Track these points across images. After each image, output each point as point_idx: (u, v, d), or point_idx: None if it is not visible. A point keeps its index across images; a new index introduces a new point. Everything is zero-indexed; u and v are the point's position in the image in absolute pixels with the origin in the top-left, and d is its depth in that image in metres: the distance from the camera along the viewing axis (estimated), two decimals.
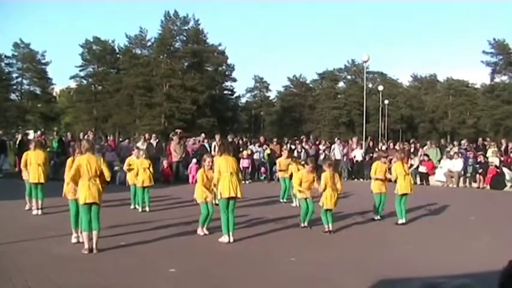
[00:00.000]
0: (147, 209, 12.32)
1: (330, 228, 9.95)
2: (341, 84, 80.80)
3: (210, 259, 7.71)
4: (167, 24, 64.08)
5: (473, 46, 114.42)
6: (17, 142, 21.52)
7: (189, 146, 22.35)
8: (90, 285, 6.17)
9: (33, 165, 11.52)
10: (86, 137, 21.73)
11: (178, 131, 23.72)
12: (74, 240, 8.44)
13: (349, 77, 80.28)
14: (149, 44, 65.90)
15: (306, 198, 10.44)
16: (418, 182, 20.42)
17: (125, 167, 13.63)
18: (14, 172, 20.63)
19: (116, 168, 18.44)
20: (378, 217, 11.59)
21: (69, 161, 9.15)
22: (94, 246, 7.75)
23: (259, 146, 22.44)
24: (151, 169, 12.77)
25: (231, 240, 8.79)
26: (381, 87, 57.23)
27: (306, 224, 10.45)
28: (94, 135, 23.75)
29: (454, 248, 8.94)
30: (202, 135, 23.85)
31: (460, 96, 74.39)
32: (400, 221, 11.10)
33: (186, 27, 65.13)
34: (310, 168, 10.72)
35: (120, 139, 25.40)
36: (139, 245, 8.29)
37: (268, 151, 21.58)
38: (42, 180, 11.49)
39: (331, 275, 6.88)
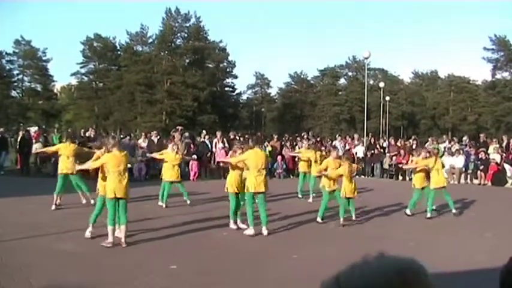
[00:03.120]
0: (188, 201, 12.53)
1: (353, 218, 10.68)
2: (342, 80, 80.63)
3: (212, 256, 7.72)
4: (168, 21, 63.97)
5: (475, 42, 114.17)
6: (18, 139, 21.53)
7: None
8: (91, 281, 6.18)
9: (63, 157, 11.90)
10: (88, 133, 21.83)
11: (180, 127, 23.73)
12: (88, 234, 8.47)
13: (350, 73, 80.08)
14: (150, 40, 65.80)
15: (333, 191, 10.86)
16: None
17: (157, 155, 13.78)
18: (15, 169, 20.68)
19: None
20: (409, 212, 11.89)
21: (96, 155, 9.33)
22: (123, 240, 7.96)
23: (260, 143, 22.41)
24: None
25: (265, 233, 9.12)
26: (382, 84, 57.13)
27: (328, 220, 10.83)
28: (95, 132, 23.73)
29: (455, 244, 8.95)
30: (204, 132, 23.86)
31: (461, 93, 74.24)
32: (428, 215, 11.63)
33: (187, 24, 65.05)
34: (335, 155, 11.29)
35: (121, 136, 25.33)
36: (140, 242, 8.31)
37: (269, 148, 21.58)
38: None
39: (333, 272, 6.86)
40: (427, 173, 12.00)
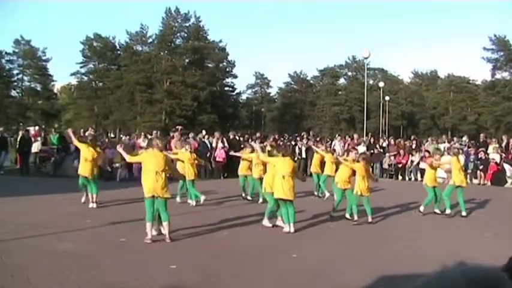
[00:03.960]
0: (201, 200, 12.54)
1: (370, 220, 10.75)
2: (342, 80, 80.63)
3: (211, 255, 7.71)
4: (168, 21, 63.96)
5: (474, 42, 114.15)
6: (18, 139, 21.53)
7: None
8: (91, 281, 6.17)
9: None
10: (87, 133, 21.81)
11: (179, 127, 23.74)
12: (154, 232, 8.66)
13: (349, 73, 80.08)
14: (150, 40, 65.77)
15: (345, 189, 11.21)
16: (419, 178, 20.43)
17: (173, 155, 13.80)
18: (14, 169, 20.68)
19: (117, 165, 18.46)
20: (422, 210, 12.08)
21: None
22: (168, 236, 8.35)
23: (260, 143, 22.38)
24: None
25: (292, 230, 9.47)
26: (381, 84, 57.23)
27: (354, 216, 10.89)
28: (95, 132, 23.73)
29: (455, 244, 8.95)
30: (203, 131, 23.85)
31: (460, 93, 74.27)
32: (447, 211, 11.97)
33: (187, 24, 65.02)
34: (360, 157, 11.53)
35: (121, 136, 25.33)
36: (140, 241, 8.30)
37: (269, 148, 21.50)
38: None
39: (332, 271, 6.89)
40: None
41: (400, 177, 22.28)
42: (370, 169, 11.58)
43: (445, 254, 7.90)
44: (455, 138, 25.43)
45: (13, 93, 63.04)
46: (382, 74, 76.88)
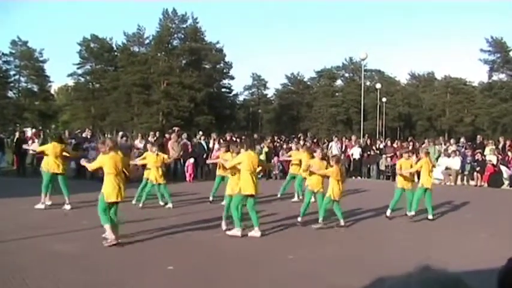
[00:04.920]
0: (170, 205, 12.32)
1: (342, 223, 10.29)
2: (339, 82, 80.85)
3: (208, 257, 7.70)
4: (165, 22, 64.05)
5: (471, 44, 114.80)
6: (15, 140, 21.46)
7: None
8: (88, 282, 6.16)
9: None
10: (84, 134, 21.78)
11: (176, 128, 23.73)
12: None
13: (346, 74, 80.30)
14: (147, 41, 65.95)
15: (316, 191, 10.71)
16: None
17: (139, 161, 13.63)
18: (11, 170, 20.62)
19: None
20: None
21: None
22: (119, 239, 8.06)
23: (256, 144, 22.40)
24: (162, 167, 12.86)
25: (258, 234, 9.09)
26: (378, 85, 57.37)
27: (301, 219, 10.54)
28: (92, 133, 23.67)
29: (452, 246, 8.96)
30: (200, 132, 23.84)
31: (457, 94, 74.53)
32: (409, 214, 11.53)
33: (184, 25, 65.16)
34: (320, 155, 11.17)
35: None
36: (137, 243, 8.29)
37: (265, 149, 21.55)
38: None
39: (329, 273, 6.89)
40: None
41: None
42: (344, 171, 11.06)
43: (442, 255, 7.92)
44: (452, 140, 25.41)
45: (10, 94, 63.12)
46: (379, 76, 77.09)
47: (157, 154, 12.78)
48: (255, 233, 9.11)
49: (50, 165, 11.78)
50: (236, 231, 9.04)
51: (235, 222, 9.16)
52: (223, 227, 9.59)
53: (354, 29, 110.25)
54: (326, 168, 10.76)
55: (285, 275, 6.76)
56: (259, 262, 7.42)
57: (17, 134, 22.51)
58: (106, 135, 30.81)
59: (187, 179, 19.41)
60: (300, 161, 14.17)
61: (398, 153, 21.45)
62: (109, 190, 8.11)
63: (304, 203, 10.78)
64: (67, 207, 11.59)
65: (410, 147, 23.58)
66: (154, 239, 8.66)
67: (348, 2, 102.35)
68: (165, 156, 13.50)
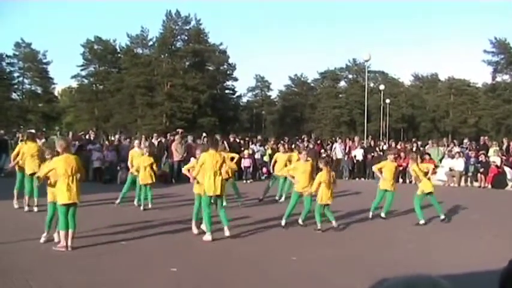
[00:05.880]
0: (149, 205, 12.24)
1: (335, 225, 10.04)
2: (342, 83, 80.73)
3: (211, 258, 7.71)
4: (169, 24, 64.07)
5: (475, 45, 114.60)
6: (19, 142, 21.48)
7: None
8: (91, 283, 6.17)
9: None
10: (87, 136, 21.79)
11: (180, 130, 23.74)
12: (42, 240, 8.22)
13: (350, 76, 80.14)
14: (150, 43, 65.90)
15: (302, 194, 10.48)
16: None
17: (129, 162, 13.59)
18: (15, 171, 20.62)
19: (117, 167, 18.44)
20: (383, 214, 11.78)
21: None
22: (70, 244, 7.71)
23: (260, 145, 22.40)
24: (154, 167, 12.71)
25: (227, 234, 8.92)
26: (382, 87, 57.25)
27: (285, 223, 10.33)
28: (96, 135, 23.70)
29: (455, 247, 8.94)
30: (204, 134, 23.85)
31: (461, 96, 74.36)
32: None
33: (188, 27, 65.16)
34: (305, 156, 10.89)
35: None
36: (140, 244, 8.30)
37: (269, 151, 21.51)
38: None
39: (332, 274, 6.88)
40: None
41: (400, 180, 22.22)
42: (334, 174, 10.59)
43: (445, 258, 7.90)
44: (455, 141, 25.36)
45: (14, 96, 63.30)
46: (382, 77, 76.98)
47: (148, 156, 12.71)
48: (225, 232, 8.93)
49: (29, 166, 11.58)
50: (208, 236, 8.80)
51: (206, 226, 8.96)
52: (194, 231, 9.47)
53: (357, 30, 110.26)
54: (311, 169, 10.61)
55: (289, 277, 6.76)
56: (264, 263, 7.41)
57: (20, 136, 22.54)
58: (109, 137, 30.79)
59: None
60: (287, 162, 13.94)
61: (401, 154, 21.47)
62: (61, 192, 7.76)
63: (290, 205, 10.49)
64: (35, 209, 11.34)
65: (414, 148, 23.62)
66: (157, 240, 8.67)
67: (351, 3, 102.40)
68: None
